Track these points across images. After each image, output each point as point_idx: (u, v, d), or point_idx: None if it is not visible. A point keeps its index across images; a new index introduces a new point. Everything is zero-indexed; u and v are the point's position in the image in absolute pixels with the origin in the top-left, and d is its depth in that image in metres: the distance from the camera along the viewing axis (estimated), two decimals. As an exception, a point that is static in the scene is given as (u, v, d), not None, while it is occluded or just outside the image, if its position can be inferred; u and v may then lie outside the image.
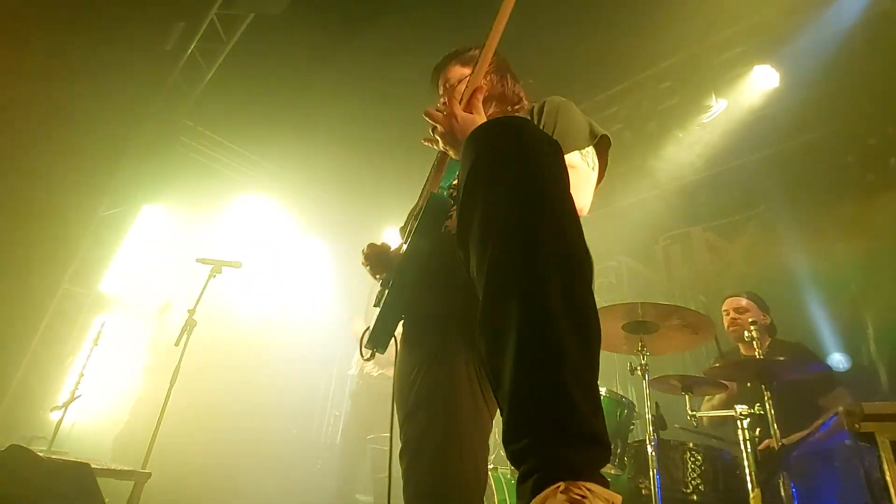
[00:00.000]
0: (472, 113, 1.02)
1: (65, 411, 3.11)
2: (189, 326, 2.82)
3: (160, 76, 4.50)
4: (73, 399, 3.24)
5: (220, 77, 4.44)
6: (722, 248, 4.32)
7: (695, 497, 2.03)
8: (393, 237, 1.48)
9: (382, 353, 1.23)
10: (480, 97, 1.04)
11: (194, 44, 4.23)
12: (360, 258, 1.33)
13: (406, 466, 1.03)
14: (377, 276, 1.28)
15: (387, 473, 1.14)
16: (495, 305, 0.64)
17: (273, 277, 5.29)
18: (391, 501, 1.12)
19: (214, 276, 3.05)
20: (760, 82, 3.85)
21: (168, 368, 2.77)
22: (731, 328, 2.62)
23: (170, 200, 4.90)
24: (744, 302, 2.65)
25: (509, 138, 0.72)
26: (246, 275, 3.44)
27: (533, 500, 0.55)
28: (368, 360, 1.26)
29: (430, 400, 1.03)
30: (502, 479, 2.20)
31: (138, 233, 4.75)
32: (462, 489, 0.96)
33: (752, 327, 1.98)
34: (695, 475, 2.06)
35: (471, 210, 0.70)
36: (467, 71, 1.31)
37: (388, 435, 1.13)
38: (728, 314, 2.65)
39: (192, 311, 2.90)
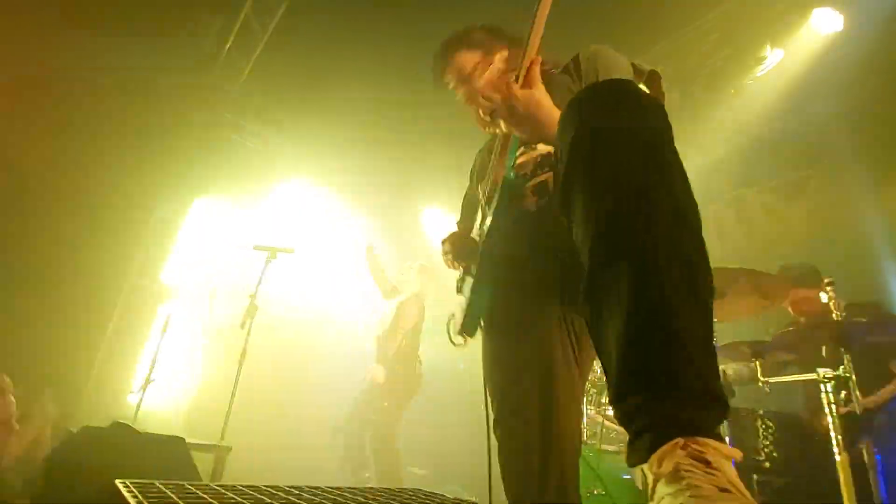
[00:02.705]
0: (530, 88, 0.97)
1: (142, 395, 3.33)
2: (251, 310, 2.94)
3: (201, 75, 4.63)
4: (148, 383, 3.47)
5: (259, 70, 4.51)
6: (780, 210, 4.11)
7: (768, 464, 1.99)
8: (433, 217, 1.49)
9: (472, 338, 1.25)
10: (537, 70, 0.98)
11: (231, 39, 4.32)
12: (442, 249, 1.33)
13: (501, 436, 1.06)
14: (458, 265, 1.30)
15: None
16: (604, 264, 0.64)
17: (323, 260, 5.43)
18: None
19: (270, 262, 3.15)
20: (820, 27, 3.56)
21: (227, 351, 2.91)
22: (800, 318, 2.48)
23: (220, 192, 5.09)
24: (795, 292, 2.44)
25: (612, 100, 0.70)
26: (299, 259, 3.54)
27: (651, 457, 0.55)
28: (460, 345, 1.28)
29: (527, 372, 1.04)
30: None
31: (193, 225, 4.96)
32: (560, 458, 0.97)
33: (828, 288, 1.88)
34: (767, 442, 2.01)
35: (575, 174, 0.69)
36: (478, 55, 1.29)
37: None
38: None
39: (253, 296, 3.01)
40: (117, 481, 0.70)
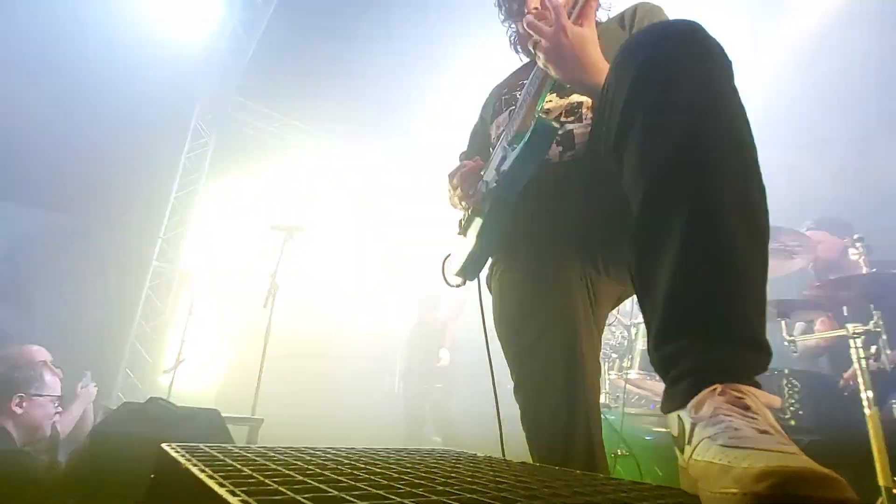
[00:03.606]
0: (582, 26, 0.90)
1: (174, 374, 3.45)
2: (273, 289, 2.99)
3: (207, 57, 4.62)
4: (178, 363, 3.58)
5: (263, 50, 4.47)
6: (805, 170, 3.98)
7: (793, 422, 1.98)
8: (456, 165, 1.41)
9: (471, 282, 1.21)
10: (594, 6, 0.92)
11: (236, 17, 4.28)
12: (449, 184, 1.23)
13: (525, 399, 1.04)
14: (462, 203, 1.21)
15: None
16: (661, 207, 0.62)
17: (337, 237, 5.49)
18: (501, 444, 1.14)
19: (287, 241, 3.18)
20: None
21: (252, 330, 2.97)
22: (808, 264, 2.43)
23: (233, 174, 5.14)
24: (814, 233, 2.41)
25: (685, 42, 0.67)
26: (315, 237, 3.58)
27: (690, 402, 0.55)
28: (458, 286, 1.25)
29: (550, 331, 1.01)
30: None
31: (209, 208, 5.03)
32: (587, 413, 0.97)
33: (857, 244, 1.83)
34: (792, 401, 2.00)
35: (635, 113, 0.67)
36: None
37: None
38: None
39: (273, 275, 3.06)
40: (163, 445, 0.72)
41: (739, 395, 0.53)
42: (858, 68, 3.53)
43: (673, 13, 1.03)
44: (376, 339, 5.56)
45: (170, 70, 4.38)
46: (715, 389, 0.54)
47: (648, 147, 0.65)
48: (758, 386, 0.56)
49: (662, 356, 0.60)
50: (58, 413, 1.98)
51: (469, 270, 1.15)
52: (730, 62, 0.67)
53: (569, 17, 0.90)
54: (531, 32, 0.92)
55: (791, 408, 1.99)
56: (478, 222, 1.09)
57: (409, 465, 0.71)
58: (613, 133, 0.71)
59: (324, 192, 5.54)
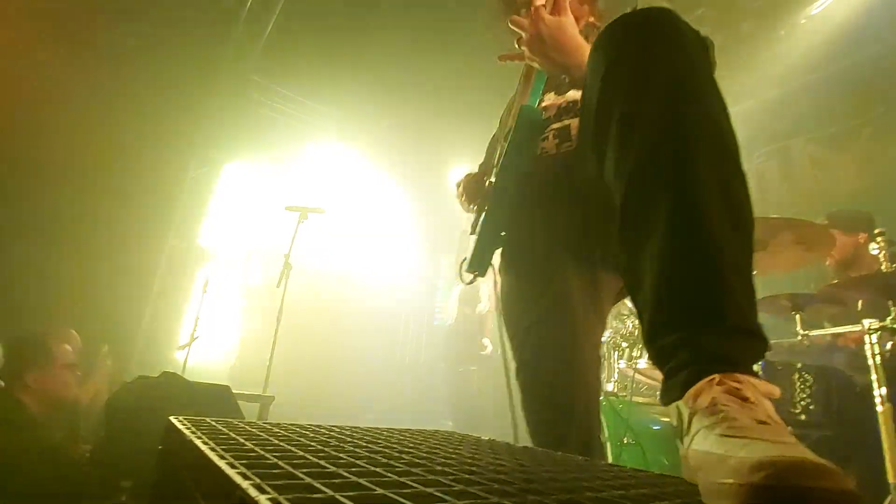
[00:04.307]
0: (559, 16, 0.94)
1: (188, 351, 3.53)
2: (286, 270, 3.03)
3: (224, 34, 4.60)
4: (193, 340, 3.66)
5: (281, 30, 4.45)
6: (829, 161, 3.88)
7: (803, 417, 1.96)
8: (463, 174, 1.47)
9: (482, 277, 1.26)
10: (566, 2, 0.95)
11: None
12: (456, 191, 1.33)
13: (524, 382, 1.07)
14: (471, 207, 1.28)
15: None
16: (642, 199, 0.62)
17: (353, 220, 5.53)
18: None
19: (302, 222, 3.21)
20: (887, -43, 3.25)
21: (265, 308, 3.02)
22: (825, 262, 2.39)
23: (250, 154, 5.16)
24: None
25: (658, 30, 0.67)
26: (329, 219, 3.60)
27: (687, 393, 0.55)
28: (470, 283, 1.29)
29: (549, 319, 1.04)
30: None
31: (225, 187, 5.07)
32: (585, 398, 0.98)
33: (879, 239, 1.78)
34: (804, 395, 1.98)
35: (611, 105, 0.67)
36: None
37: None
38: None
39: (287, 256, 3.09)
40: (171, 417, 0.74)
41: (737, 384, 0.52)
42: (884, 56, 3.39)
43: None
44: (386, 321, 5.62)
45: (186, 42, 4.37)
46: (713, 380, 0.53)
47: (626, 140, 0.65)
48: (756, 375, 0.56)
49: (658, 349, 0.60)
50: (77, 377, 2.02)
51: (477, 264, 1.18)
52: (705, 47, 0.67)
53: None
54: (514, 29, 0.98)
55: (802, 402, 1.97)
56: (482, 218, 1.14)
57: (411, 445, 0.72)
58: (594, 122, 0.71)
59: (341, 175, 5.55)
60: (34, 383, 1.87)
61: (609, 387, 2.48)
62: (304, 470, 0.43)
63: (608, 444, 2.11)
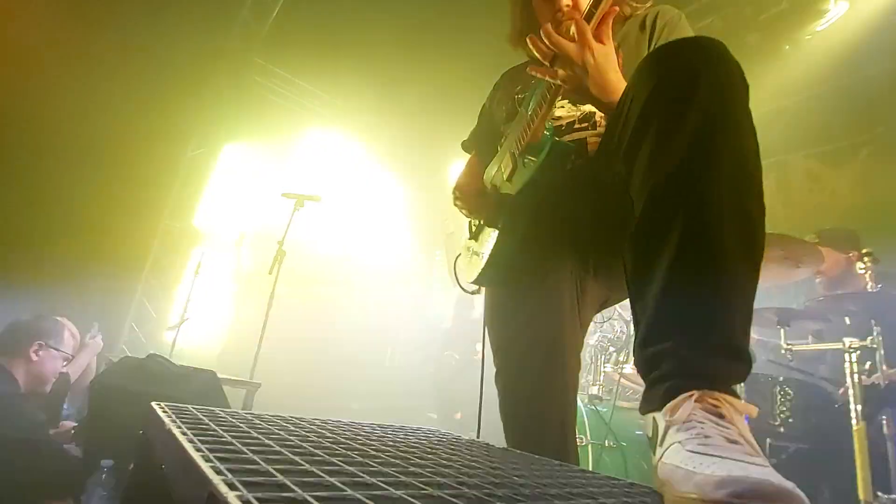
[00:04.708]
0: (603, 40, 0.86)
1: (177, 332, 3.52)
2: (279, 256, 3.02)
3: (230, 15, 4.56)
4: (183, 321, 3.65)
5: (288, 13, 4.41)
6: (825, 177, 3.91)
7: (782, 429, 1.99)
8: (460, 168, 1.46)
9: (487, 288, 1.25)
10: (611, 23, 0.87)
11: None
12: (454, 200, 1.30)
13: (504, 385, 1.08)
14: (473, 216, 1.27)
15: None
16: (659, 212, 0.64)
17: (349, 209, 5.52)
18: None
19: (298, 210, 3.20)
20: (894, -24, 3.25)
21: (257, 294, 3.02)
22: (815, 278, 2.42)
23: (249, 138, 5.12)
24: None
25: (704, 57, 0.68)
26: (325, 207, 3.59)
27: (666, 406, 0.56)
28: (474, 293, 1.29)
29: (534, 322, 1.05)
30: (580, 403, 2.26)
31: (223, 170, 5.04)
32: (562, 403, 1.00)
33: (866, 258, 1.81)
34: (784, 408, 2.01)
35: (649, 125, 0.69)
36: None
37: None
38: None
39: (280, 243, 3.08)
40: (153, 403, 0.75)
41: (715, 402, 0.54)
42: (887, 76, 3.41)
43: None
44: (378, 313, 5.63)
45: (192, 20, 4.32)
46: (692, 395, 0.55)
47: (657, 156, 0.66)
48: (734, 394, 0.57)
49: (646, 357, 0.62)
50: (64, 368, 2.04)
51: (487, 279, 1.18)
52: (747, 86, 0.68)
53: (587, 22, 0.85)
54: (550, 47, 0.87)
55: (782, 415, 2.00)
56: (494, 234, 1.13)
57: (390, 442, 0.73)
58: (626, 140, 0.72)
59: (339, 163, 5.52)
60: (36, 356, 1.88)
61: (594, 390, 2.50)
62: (279, 466, 0.44)
63: (590, 447, 2.14)
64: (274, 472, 0.41)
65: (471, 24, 4.09)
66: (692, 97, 0.65)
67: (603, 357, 2.62)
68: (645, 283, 0.64)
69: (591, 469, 2.07)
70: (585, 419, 2.18)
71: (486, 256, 1.15)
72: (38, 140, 3.80)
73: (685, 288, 0.59)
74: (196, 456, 0.43)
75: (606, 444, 2.13)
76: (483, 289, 1.24)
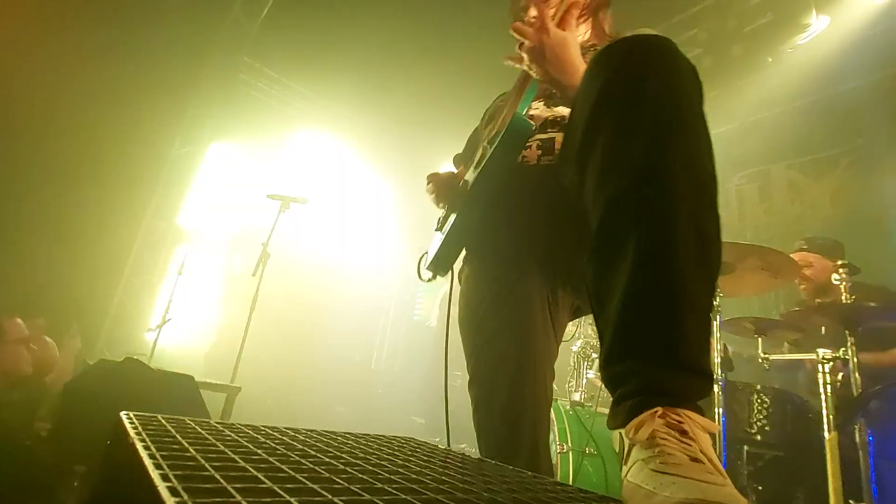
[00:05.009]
0: (564, 31, 0.94)
1: (158, 333, 3.47)
2: (263, 258, 3.00)
3: (220, 14, 4.52)
4: (164, 322, 3.60)
5: (278, 14, 4.39)
6: (805, 187, 3.98)
7: (759, 437, 2.02)
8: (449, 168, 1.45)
9: (443, 277, 1.24)
10: (576, 14, 0.96)
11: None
12: (426, 185, 1.30)
13: (477, 394, 1.07)
14: (441, 205, 1.26)
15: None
16: (616, 227, 0.63)
17: (335, 211, 5.49)
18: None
19: (283, 211, 3.17)
20: (873, -7, 3.34)
21: (241, 296, 2.99)
22: (800, 285, 2.47)
23: (235, 137, 5.07)
24: (805, 255, 2.46)
25: (657, 58, 0.67)
26: (311, 209, 3.57)
27: (629, 423, 0.57)
28: (429, 281, 1.28)
29: (506, 331, 1.04)
30: (562, 410, 2.27)
31: (208, 169, 4.98)
32: (534, 413, 1.00)
33: (840, 270, 1.84)
34: (761, 416, 2.04)
35: (600, 127, 0.68)
36: None
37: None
38: None
39: (265, 244, 3.06)
40: (122, 413, 0.73)
41: (679, 419, 0.54)
42: (867, 89, 3.50)
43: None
44: (361, 316, 5.60)
45: (182, 16, 4.27)
46: (656, 412, 0.55)
47: (609, 165, 0.66)
48: (698, 410, 0.58)
49: (610, 375, 0.62)
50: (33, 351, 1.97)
51: (440, 265, 1.16)
52: (700, 84, 0.68)
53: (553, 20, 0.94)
54: (517, 36, 0.96)
55: (758, 423, 2.03)
56: (452, 218, 1.11)
57: (361, 455, 0.72)
58: (578, 144, 0.71)
59: (326, 165, 5.49)
60: None
61: (576, 396, 2.51)
62: (239, 485, 0.43)
63: (570, 454, 2.15)
64: (232, 492, 0.41)
65: (458, 26, 4.12)
66: (642, 102, 0.64)
67: (585, 364, 2.63)
68: (606, 299, 0.64)
69: (571, 476, 2.09)
70: (567, 425, 2.19)
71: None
72: (19, 133, 3.72)
73: (643, 307, 0.59)
74: (155, 474, 0.43)
75: (587, 452, 2.14)
76: (437, 276, 1.21)
